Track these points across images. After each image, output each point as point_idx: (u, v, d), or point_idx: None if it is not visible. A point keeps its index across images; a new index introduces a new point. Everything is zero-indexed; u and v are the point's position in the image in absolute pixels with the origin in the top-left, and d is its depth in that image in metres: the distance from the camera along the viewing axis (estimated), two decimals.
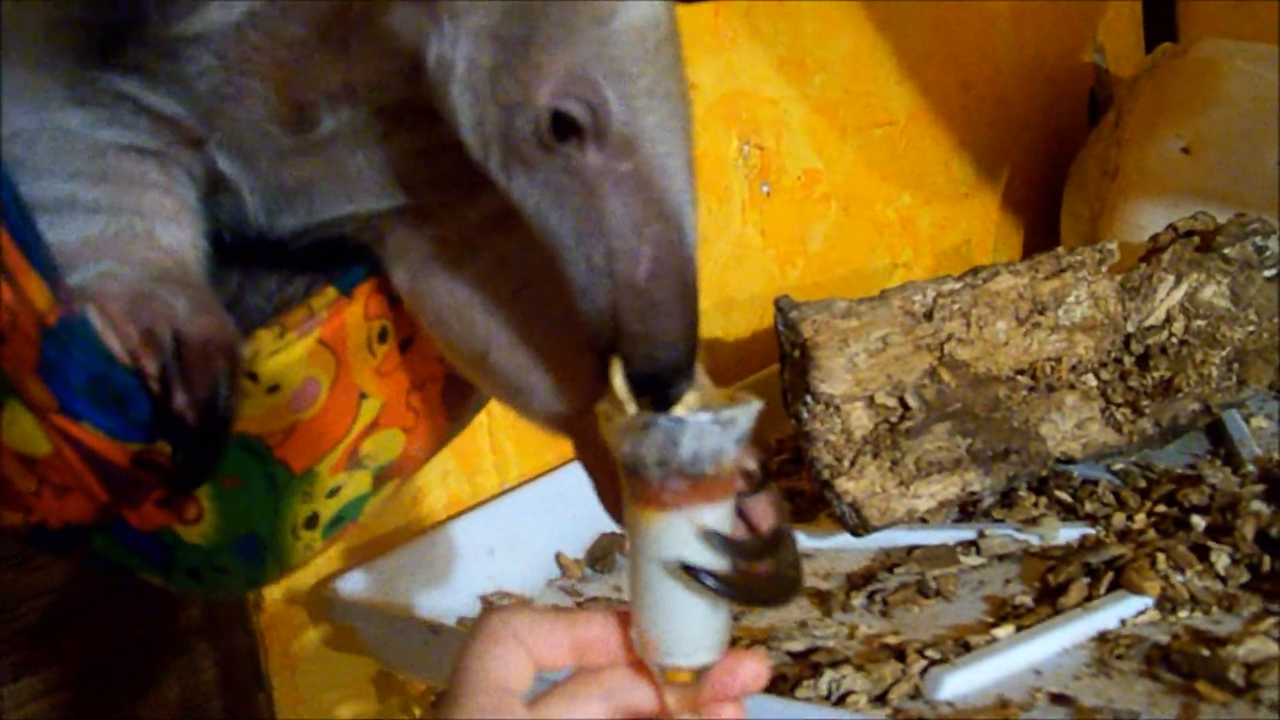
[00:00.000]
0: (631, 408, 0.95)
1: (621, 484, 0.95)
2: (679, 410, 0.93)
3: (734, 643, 1.77)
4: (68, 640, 1.84)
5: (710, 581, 0.91)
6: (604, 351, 0.97)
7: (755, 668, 0.98)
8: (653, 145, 0.97)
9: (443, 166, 1.14)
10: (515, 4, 0.95)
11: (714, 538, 0.92)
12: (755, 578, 0.96)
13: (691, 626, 0.94)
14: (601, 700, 0.96)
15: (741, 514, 1.04)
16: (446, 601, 2.00)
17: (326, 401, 1.20)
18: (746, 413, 0.92)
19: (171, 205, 1.11)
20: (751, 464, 1.01)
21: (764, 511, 1.01)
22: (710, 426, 0.90)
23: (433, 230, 1.20)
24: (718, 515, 0.93)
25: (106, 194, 1.07)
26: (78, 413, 1.05)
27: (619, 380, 0.96)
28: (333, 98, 1.07)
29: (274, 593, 2.02)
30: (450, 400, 1.35)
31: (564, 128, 0.95)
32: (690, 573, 0.91)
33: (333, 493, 1.26)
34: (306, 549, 1.28)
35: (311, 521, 1.26)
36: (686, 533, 0.91)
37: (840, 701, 1.61)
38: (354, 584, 1.95)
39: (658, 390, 0.94)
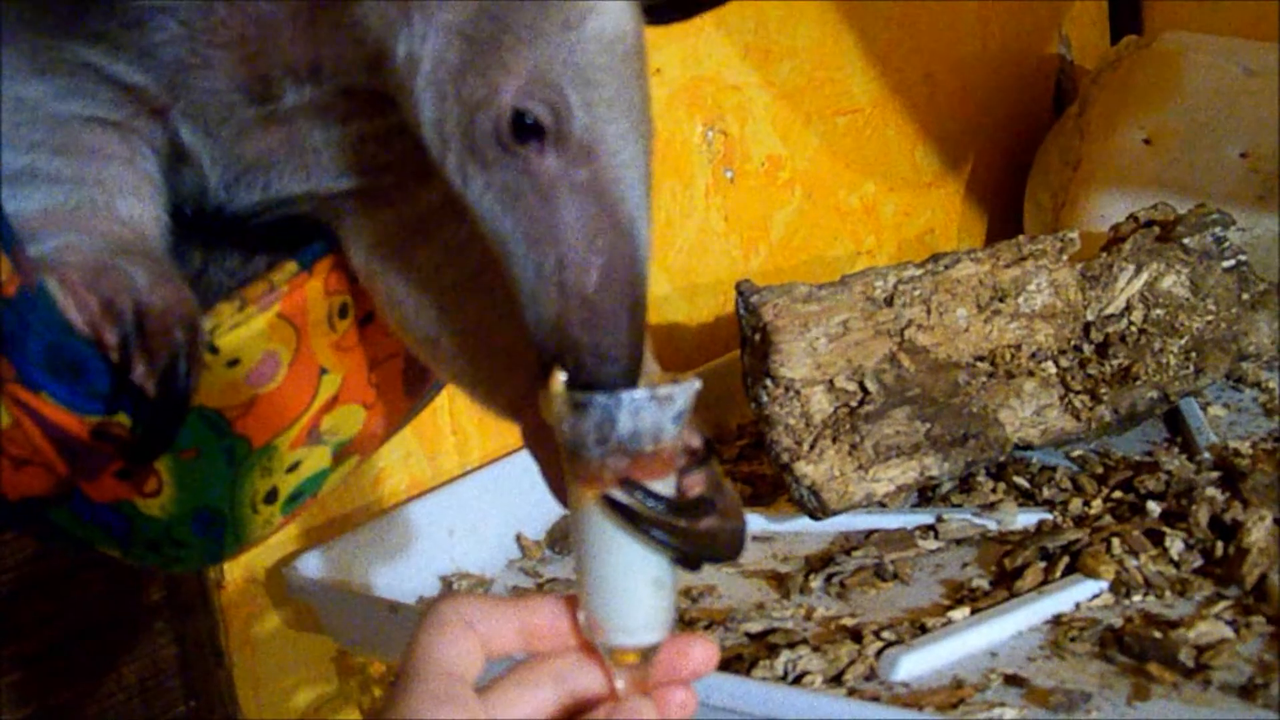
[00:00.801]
0: (563, 417, 0.95)
1: (564, 464, 0.96)
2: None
3: (691, 624, 1.80)
4: (28, 618, 1.83)
5: (657, 534, 0.92)
6: (547, 359, 0.97)
7: (705, 649, 0.99)
8: (611, 154, 0.97)
9: (400, 150, 1.14)
10: (486, 4, 0.95)
11: (656, 497, 0.92)
12: (696, 532, 0.96)
13: (637, 605, 0.95)
14: (552, 685, 0.97)
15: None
16: (407, 582, 2.01)
17: (286, 376, 1.20)
18: (684, 391, 0.93)
19: (132, 178, 1.11)
20: (695, 442, 1.01)
21: (698, 482, 1.01)
22: (647, 403, 0.91)
23: (388, 214, 1.20)
24: (661, 492, 0.94)
25: (67, 165, 1.07)
26: (36, 383, 1.05)
27: (558, 390, 0.96)
28: (296, 74, 1.07)
29: (235, 572, 2.02)
30: (410, 378, 1.35)
31: (524, 129, 0.95)
32: (634, 524, 0.92)
33: (292, 467, 1.26)
34: (266, 524, 1.28)
35: (271, 496, 1.26)
36: (636, 490, 0.92)
37: (796, 681, 1.62)
38: (314, 564, 1.95)
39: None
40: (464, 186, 1.00)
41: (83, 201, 1.08)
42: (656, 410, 0.92)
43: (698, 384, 0.95)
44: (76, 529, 1.21)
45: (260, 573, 2.05)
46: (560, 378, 0.96)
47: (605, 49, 0.97)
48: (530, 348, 1.01)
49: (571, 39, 0.96)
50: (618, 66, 0.98)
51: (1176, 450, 2.24)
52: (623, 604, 0.95)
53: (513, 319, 1.12)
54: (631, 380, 0.97)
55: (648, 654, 0.96)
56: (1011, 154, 3.68)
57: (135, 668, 1.96)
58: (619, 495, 0.92)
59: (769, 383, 2.05)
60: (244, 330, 1.16)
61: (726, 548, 1.02)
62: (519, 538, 2.17)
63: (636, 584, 0.94)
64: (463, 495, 2.16)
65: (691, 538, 0.95)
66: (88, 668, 1.91)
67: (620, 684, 0.96)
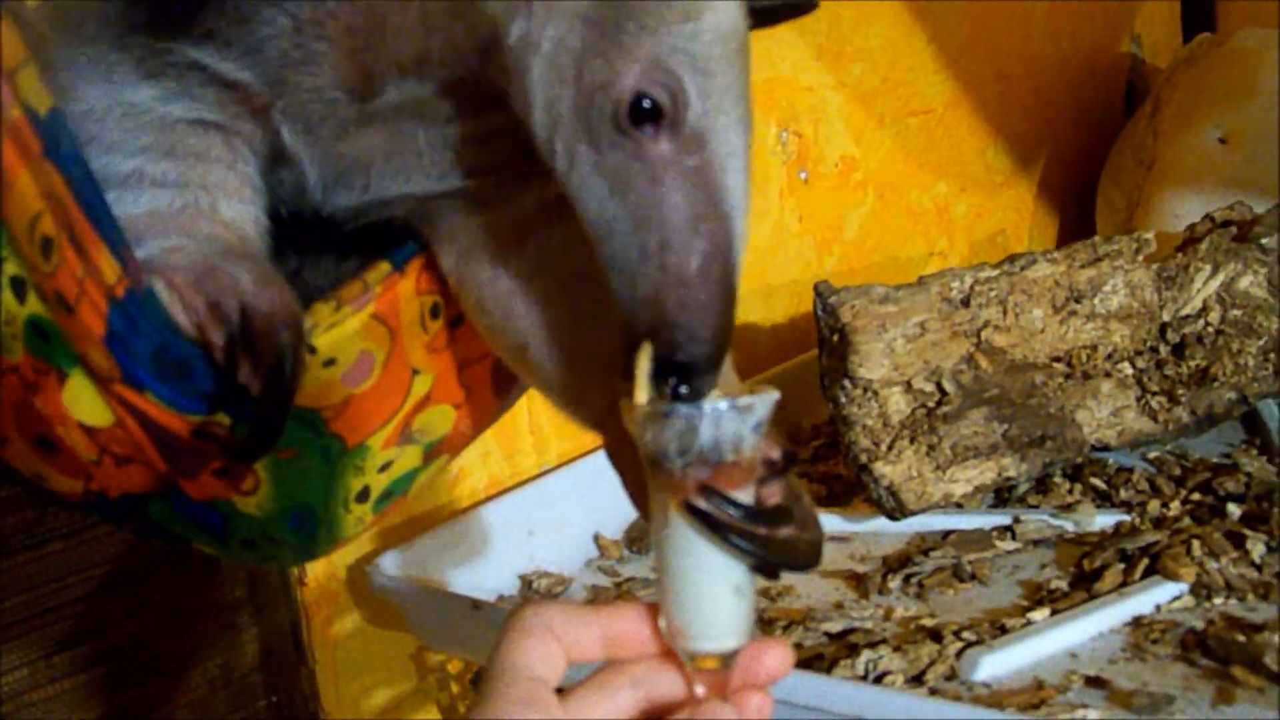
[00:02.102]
0: (647, 395, 0.97)
1: (647, 474, 0.97)
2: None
3: (770, 624, 1.81)
4: (115, 612, 1.87)
5: (737, 541, 0.93)
6: (636, 337, 0.99)
7: (781, 653, 1.00)
8: (720, 144, 0.99)
9: (498, 154, 1.16)
10: None
11: (736, 505, 0.94)
12: (775, 539, 0.98)
13: (717, 611, 0.96)
14: (631, 690, 0.98)
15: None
16: (487, 580, 2.03)
17: (380, 376, 1.22)
18: (764, 401, 0.94)
19: (235, 181, 1.13)
20: (775, 453, 1.02)
21: (774, 491, 1.03)
22: (728, 413, 0.93)
23: (481, 218, 1.22)
24: (741, 500, 0.95)
25: (173, 169, 1.10)
26: (141, 383, 1.08)
27: (644, 367, 0.97)
28: (402, 68, 1.08)
29: (316, 570, 2.05)
30: (499, 378, 1.37)
31: (642, 113, 0.97)
32: (715, 531, 0.93)
33: (384, 467, 1.28)
34: (358, 522, 1.30)
35: (363, 495, 1.28)
36: (716, 497, 0.93)
37: (877, 681, 1.63)
38: (396, 562, 1.98)
39: (684, 380, 0.96)
40: (570, 168, 1.02)
41: (188, 205, 1.10)
42: (737, 420, 0.93)
43: (776, 394, 0.96)
44: (174, 525, 1.23)
45: (341, 571, 2.08)
46: (647, 354, 0.97)
47: (720, 41, 0.99)
48: (617, 353, 1.02)
49: (690, 30, 0.98)
50: (731, 59, 1.00)
51: (1255, 452, 2.22)
52: (704, 610, 0.96)
53: (600, 329, 1.15)
54: (716, 363, 0.98)
55: (727, 659, 0.97)
56: (1083, 153, 3.66)
57: (219, 662, 1.99)
58: (700, 503, 0.93)
59: (847, 383, 2.05)
60: (340, 330, 1.18)
61: (804, 556, 1.03)
62: (597, 537, 2.18)
63: (717, 591, 0.96)
64: (542, 494, 2.18)
65: (770, 545, 0.96)
66: (173, 661, 1.95)
67: (700, 689, 0.98)
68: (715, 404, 0.93)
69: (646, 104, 0.97)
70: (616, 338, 1.04)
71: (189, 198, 1.10)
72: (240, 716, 2.01)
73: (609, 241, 1.01)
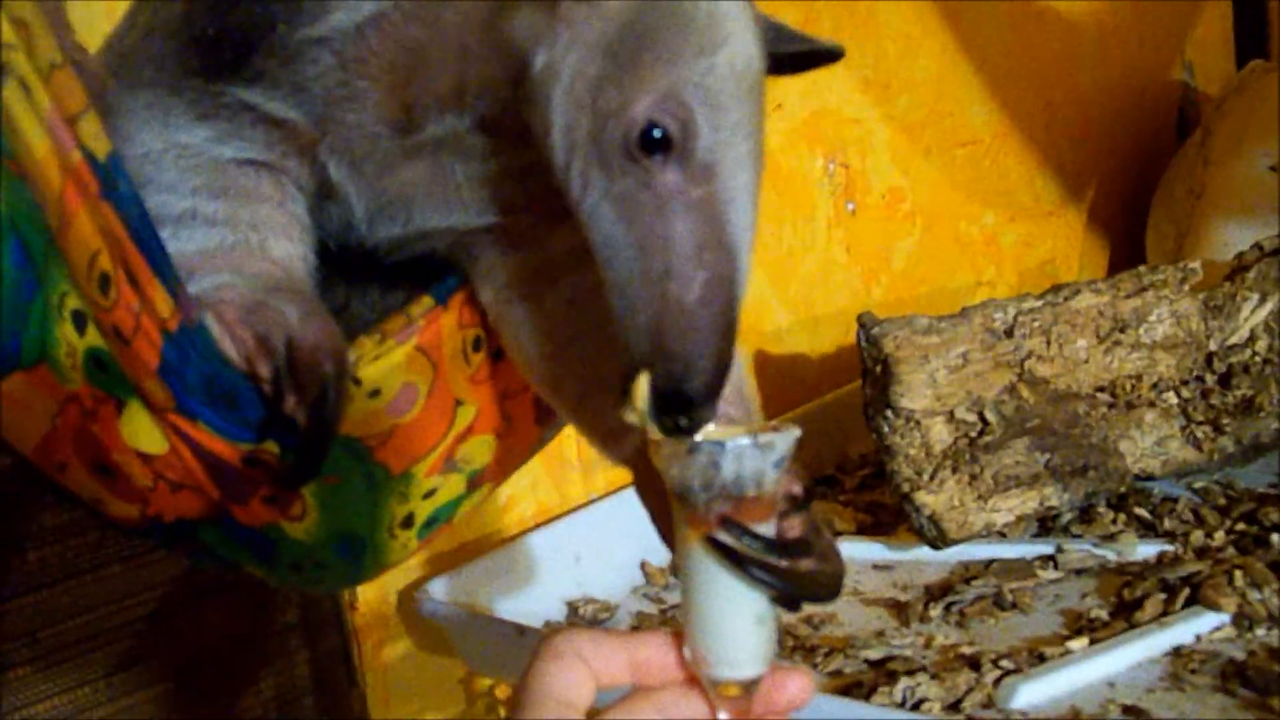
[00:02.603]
0: (644, 422, 0.99)
1: (672, 508, 1.00)
2: (722, 437, 0.97)
3: (811, 651, 1.83)
4: (171, 634, 1.92)
5: (757, 574, 0.96)
6: (634, 364, 1.01)
7: (802, 682, 1.02)
8: (728, 177, 1.02)
9: (534, 190, 1.19)
10: (629, 23, 1.01)
11: (757, 538, 0.97)
12: (795, 572, 1.00)
13: (739, 640, 0.99)
14: (656, 715, 1.01)
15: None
16: (534, 606, 2.07)
17: (424, 406, 1.26)
18: (785, 439, 0.97)
19: (283, 219, 1.18)
20: (796, 488, 1.05)
21: (794, 525, 1.05)
22: (750, 450, 0.95)
23: (519, 256, 1.26)
24: (762, 533, 0.98)
25: (224, 208, 1.14)
26: (193, 412, 1.12)
27: (642, 395, 1.00)
28: (441, 103, 1.12)
29: (368, 595, 2.09)
30: (540, 409, 1.40)
31: (652, 142, 1.00)
32: (736, 563, 0.96)
33: (428, 494, 1.32)
34: (403, 548, 1.34)
35: (408, 521, 1.32)
36: (738, 530, 0.96)
37: (915, 708, 1.64)
38: (445, 588, 2.02)
39: (680, 411, 0.98)
40: (583, 193, 1.04)
41: (238, 242, 1.15)
42: (759, 457, 0.96)
43: (798, 432, 0.99)
44: (225, 549, 1.27)
45: (392, 596, 2.12)
46: (644, 382, 1.00)
47: (734, 77, 1.02)
48: (619, 355, 1.04)
49: (705, 64, 1.01)
50: (743, 95, 1.03)
51: None
52: (726, 639, 0.99)
53: None
54: (713, 395, 1.00)
55: (749, 687, 1.00)
56: (1133, 182, 3.66)
57: (271, 684, 2.03)
58: (722, 536, 0.96)
59: (890, 413, 2.07)
60: (384, 362, 1.22)
61: (824, 589, 1.05)
62: (643, 565, 2.21)
63: (739, 620, 0.98)
64: (589, 522, 2.21)
65: (790, 577, 0.98)
66: (227, 683, 1.99)
67: (723, 715, 1.00)
68: (737, 441, 0.95)
69: (657, 133, 1.00)
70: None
71: (239, 236, 1.15)
72: None
73: (614, 267, 1.03)
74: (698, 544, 0.96)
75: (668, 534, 1.11)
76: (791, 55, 1.18)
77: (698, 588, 0.98)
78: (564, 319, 1.23)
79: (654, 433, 0.99)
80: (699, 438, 0.97)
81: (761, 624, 0.99)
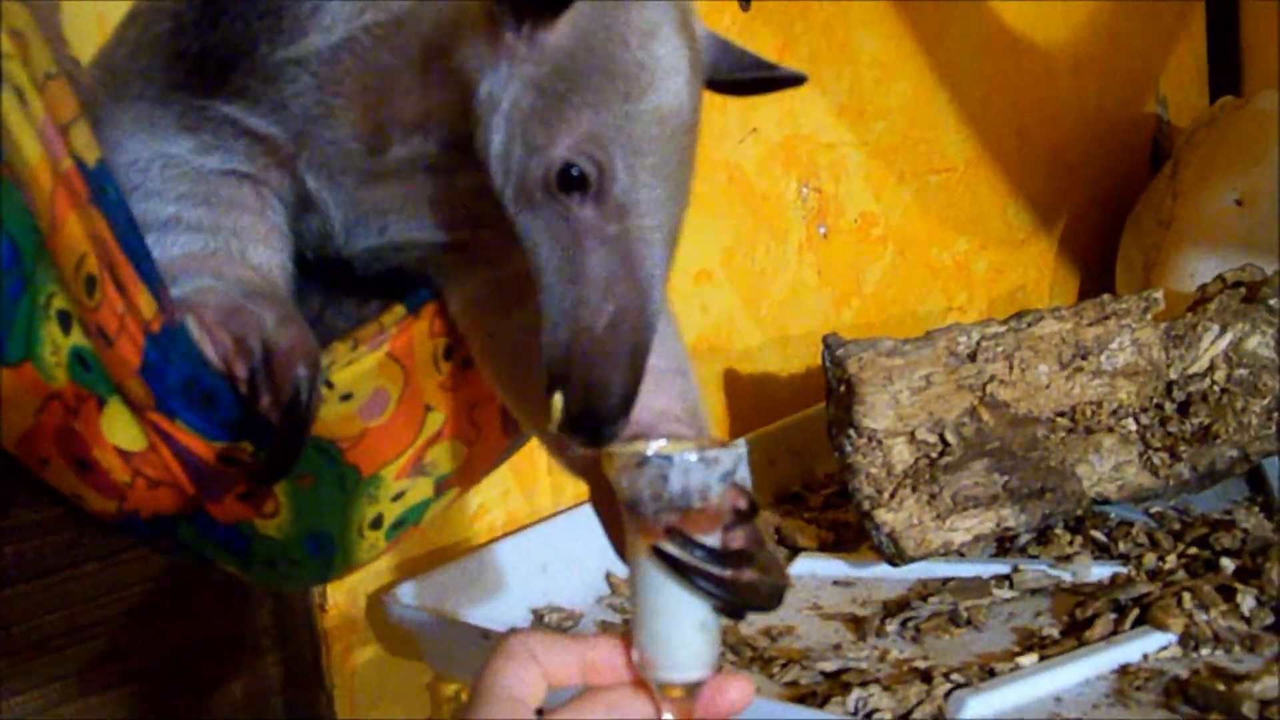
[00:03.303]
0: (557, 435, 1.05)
1: (623, 517, 1.05)
2: (671, 451, 1.03)
3: (769, 662, 1.88)
4: (143, 633, 1.95)
5: (701, 583, 1.01)
6: (551, 385, 1.07)
7: (742, 687, 1.07)
8: (642, 217, 1.08)
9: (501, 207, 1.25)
10: (562, 64, 1.07)
11: (701, 548, 1.02)
12: (737, 582, 1.05)
13: (683, 645, 1.04)
14: (605, 713, 1.06)
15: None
16: (500, 613, 2.10)
17: (395, 411, 1.31)
18: (730, 454, 1.03)
19: (263, 228, 1.22)
20: (742, 502, 1.10)
21: (738, 537, 1.11)
22: (697, 464, 1.01)
23: (485, 273, 1.31)
24: (707, 543, 1.03)
25: (207, 216, 1.19)
26: (172, 411, 1.16)
27: (555, 411, 1.07)
28: (406, 127, 1.18)
29: (338, 598, 2.13)
30: (508, 419, 1.45)
31: (569, 180, 1.06)
32: (681, 573, 1.01)
33: (397, 497, 1.36)
34: (371, 548, 1.39)
35: (376, 522, 1.37)
36: (682, 540, 1.02)
37: (867, 718, 1.69)
38: (413, 592, 2.05)
39: (586, 431, 1.05)
40: (515, 217, 1.11)
41: (219, 249, 1.19)
42: (704, 471, 1.02)
43: (743, 449, 1.05)
44: (201, 545, 1.32)
45: (361, 600, 2.16)
46: (558, 401, 1.07)
47: (658, 123, 1.08)
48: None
49: (628, 110, 1.07)
50: (666, 140, 1.09)
51: (1256, 509, 2.27)
52: (671, 644, 1.04)
53: None
54: (617, 418, 1.07)
55: (692, 689, 1.05)
56: (1105, 213, 3.72)
57: (242, 685, 2.06)
58: (668, 546, 1.01)
59: (852, 433, 2.12)
60: (357, 368, 1.27)
61: (765, 599, 1.11)
62: (609, 576, 2.25)
63: (684, 627, 1.04)
64: (556, 532, 2.25)
65: (732, 587, 1.04)
66: (199, 682, 2.02)
67: (667, 716, 1.06)
68: (685, 455, 1.01)
69: (574, 172, 1.06)
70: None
71: (220, 243, 1.20)
72: None
73: (540, 290, 1.10)
74: (646, 552, 1.01)
75: (620, 544, 1.16)
76: (753, 80, 1.23)
77: (645, 594, 1.03)
78: (527, 334, 1.27)
79: (554, 411, 1.04)
80: (649, 451, 1.03)
81: (705, 630, 1.04)
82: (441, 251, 1.29)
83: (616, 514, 1.08)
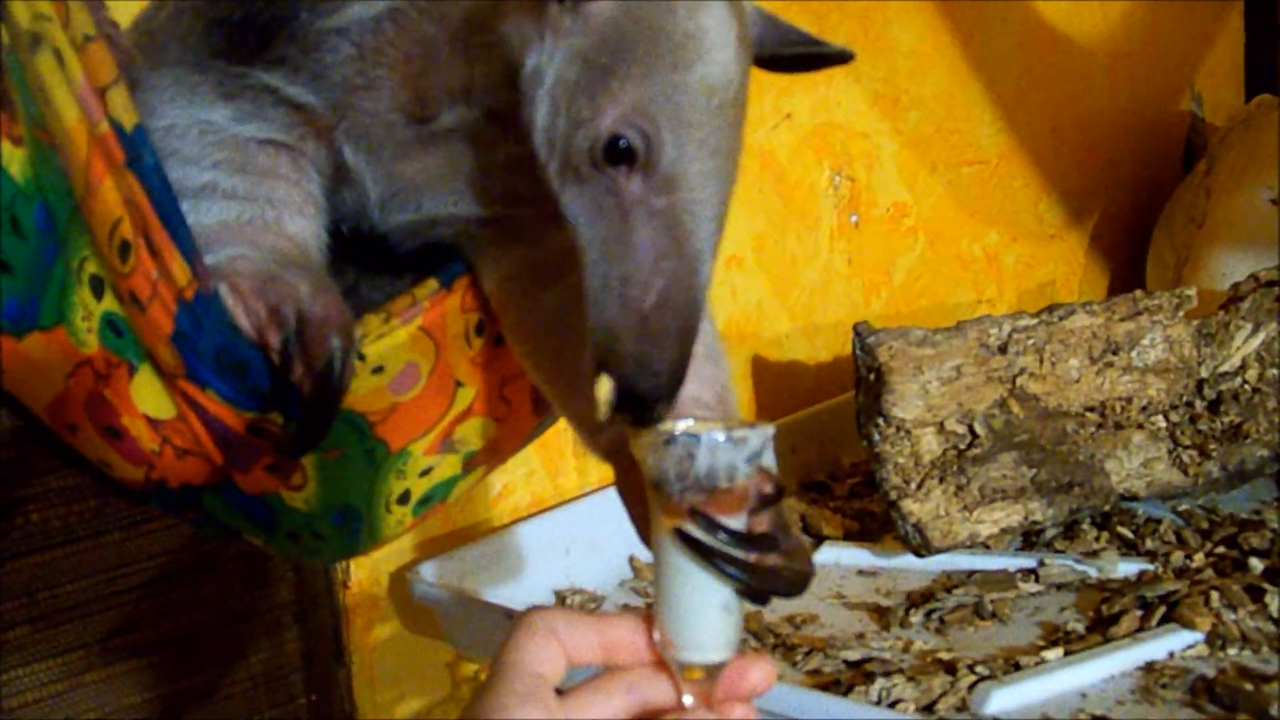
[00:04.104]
0: (605, 417, 1.04)
1: (648, 496, 1.04)
2: (699, 431, 1.02)
3: (792, 649, 1.87)
4: (166, 604, 1.95)
5: (724, 566, 1.00)
6: (598, 362, 1.06)
7: (763, 669, 1.06)
8: (690, 190, 1.06)
9: (540, 183, 1.23)
10: (609, 35, 1.05)
11: (726, 531, 1.01)
12: (761, 568, 1.04)
13: (705, 627, 1.03)
14: (625, 694, 1.05)
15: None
16: (523, 594, 2.10)
17: (425, 386, 1.30)
18: (758, 435, 1.01)
19: (299, 197, 1.22)
20: (768, 486, 1.09)
21: (763, 521, 1.10)
22: (724, 444, 1.00)
23: (522, 249, 1.30)
24: (731, 525, 1.03)
25: (243, 183, 1.18)
26: (204, 380, 1.16)
27: (603, 392, 1.05)
28: (452, 94, 1.17)
29: (360, 575, 2.13)
30: (538, 397, 1.44)
31: (617, 153, 1.04)
32: (705, 557, 1.00)
33: (425, 472, 1.36)
34: (398, 523, 1.38)
35: (404, 498, 1.36)
36: (706, 523, 1.01)
37: (890, 708, 1.68)
38: (437, 571, 2.05)
39: (636, 409, 1.03)
40: (560, 192, 1.09)
41: (255, 217, 1.19)
42: (732, 451, 1.00)
43: (772, 429, 1.04)
44: (226, 516, 1.32)
45: (384, 577, 2.16)
46: (606, 382, 1.05)
47: (705, 94, 1.06)
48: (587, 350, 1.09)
49: (676, 81, 1.05)
50: (714, 112, 1.06)
51: None
52: (693, 625, 1.03)
53: None
54: (669, 396, 1.05)
55: (713, 671, 1.04)
56: (1137, 209, 3.70)
57: (262, 659, 2.07)
58: (692, 530, 1.00)
59: (881, 422, 2.11)
60: (388, 340, 1.26)
61: (789, 585, 1.10)
62: (632, 559, 2.25)
63: (706, 608, 1.03)
64: (581, 514, 2.24)
65: (755, 572, 1.03)
66: (219, 655, 2.02)
67: (687, 697, 1.05)
68: (712, 434, 1.00)
69: (621, 144, 1.04)
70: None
71: (256, 211, 1.19)
72: (278, 713, 2.08)
73: (586, 267, 1.08)
74: (669, 532, 1.01)
75: (644, 530, 1.15)
76: (798, 56, 1.22)
77: (669, 574, 1.03)
78: (561, 314, 1.27)
79: (600, 393, 1.03)
80: (677, 430, 1.02)
81: (728, 612, 1.03)
82: (477, 227, 1.28)
83: (642, 500, 1.07)
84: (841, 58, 1.28)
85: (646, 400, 1.03)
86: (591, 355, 1.06)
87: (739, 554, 1.01)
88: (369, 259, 1.33)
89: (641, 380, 1.03)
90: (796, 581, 1.11)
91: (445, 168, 1.24)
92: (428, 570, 2.05)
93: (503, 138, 1.20)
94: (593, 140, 1.05)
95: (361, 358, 1.22)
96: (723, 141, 1.07)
